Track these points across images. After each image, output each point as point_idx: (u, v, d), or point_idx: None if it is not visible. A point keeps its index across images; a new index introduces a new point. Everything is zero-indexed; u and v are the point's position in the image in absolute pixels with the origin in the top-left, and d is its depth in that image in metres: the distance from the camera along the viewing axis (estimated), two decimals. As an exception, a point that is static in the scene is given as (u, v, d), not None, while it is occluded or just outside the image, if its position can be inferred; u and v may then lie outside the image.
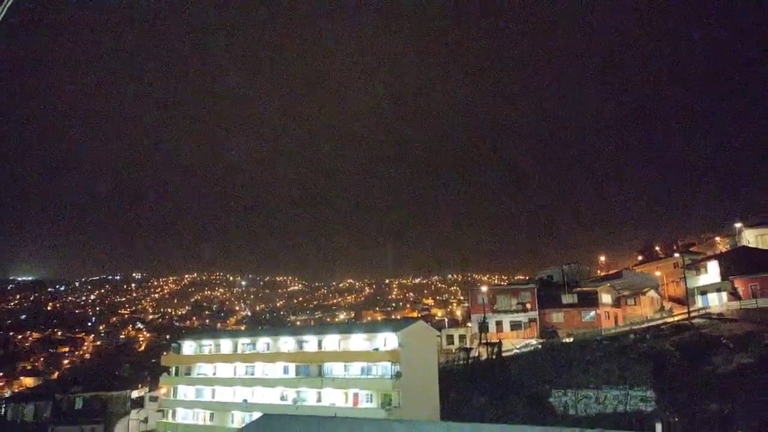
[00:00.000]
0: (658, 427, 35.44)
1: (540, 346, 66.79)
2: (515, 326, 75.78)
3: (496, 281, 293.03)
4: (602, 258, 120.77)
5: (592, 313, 73.73)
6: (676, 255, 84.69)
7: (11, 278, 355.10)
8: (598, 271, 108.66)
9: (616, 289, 79.96)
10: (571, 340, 65.58)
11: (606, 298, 76.24)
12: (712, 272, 71.10)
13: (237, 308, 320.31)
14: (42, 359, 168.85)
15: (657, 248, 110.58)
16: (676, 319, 67.11)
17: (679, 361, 52.97)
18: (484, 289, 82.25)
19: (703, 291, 71.13)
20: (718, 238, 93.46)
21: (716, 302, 67.61)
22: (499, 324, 76.43)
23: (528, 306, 76.42)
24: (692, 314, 65.11)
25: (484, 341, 71.74)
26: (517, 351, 67.32)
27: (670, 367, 52.14)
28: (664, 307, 78.10)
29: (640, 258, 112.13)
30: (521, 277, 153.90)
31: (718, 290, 68.44)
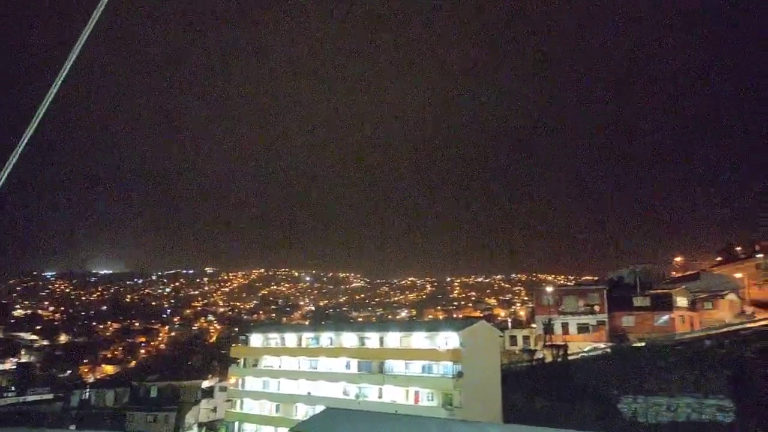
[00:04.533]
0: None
1: (609, 350, 64.35)
2: (582, 329, 73.33)
3: (561, 282, 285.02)
4: (678, 259, 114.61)
5: (666, 316, 70.16)
6: (759, 256, 79.22)
7: (93, 271, 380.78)
8: (673, 273, 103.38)
9: (692, 292, 75.80)
10: (643, 344, 62.78)
11: (681, 301, 72.38)
12: (800, 275, 66.10)
13: (301, 303, 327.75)
14: (121, 348, 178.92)
15: (738, 249, 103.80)
16: (758, 324, 62.69)
17: (763, 370, 49.59)
18: (549, 289, 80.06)
19: (791, 295, 66.27)
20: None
21: (805, 308, 62.82)
22: (565, 326, 74.20)
23: (596, 308, 73.70)
24: (777, 320, 60.71)
25: (549, 343, 69.93)
26: (584, 354, 65.10)
27: (753, 377, 48.91)
28: (745, 312, 73.28)
29: (719, 259, 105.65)
30: (588, 278, 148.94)
31: (808, 295, 63.61)
